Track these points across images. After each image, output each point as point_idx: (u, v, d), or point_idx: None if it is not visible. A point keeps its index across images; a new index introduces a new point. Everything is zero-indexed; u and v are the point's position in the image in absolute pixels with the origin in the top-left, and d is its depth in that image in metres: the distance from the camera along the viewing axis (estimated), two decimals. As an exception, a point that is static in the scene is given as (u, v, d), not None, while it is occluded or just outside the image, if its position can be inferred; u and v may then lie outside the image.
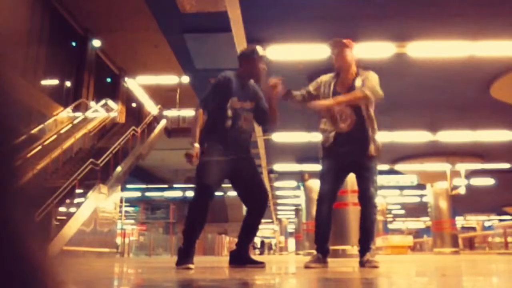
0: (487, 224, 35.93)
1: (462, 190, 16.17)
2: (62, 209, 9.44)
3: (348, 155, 3.30)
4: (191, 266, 3.07)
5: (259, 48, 3.39)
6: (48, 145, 11.20)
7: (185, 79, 14.95)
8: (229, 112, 3.23)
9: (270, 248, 41.37)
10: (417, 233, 40.60)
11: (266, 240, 42.91)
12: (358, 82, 3.34)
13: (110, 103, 15.38)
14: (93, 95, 15.23)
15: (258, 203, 3.36)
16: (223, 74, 3.33)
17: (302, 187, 17.56)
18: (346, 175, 3.49)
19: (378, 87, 3.30)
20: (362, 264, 3.18)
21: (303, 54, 7.64)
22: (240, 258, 3.34)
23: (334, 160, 3.35)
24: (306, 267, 3.09)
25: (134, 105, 19.86)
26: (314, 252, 3.35)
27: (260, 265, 3.24)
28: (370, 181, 3.29)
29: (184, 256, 3.14)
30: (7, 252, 0.42)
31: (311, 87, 3.52)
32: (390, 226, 39.47)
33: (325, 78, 3.51)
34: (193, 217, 3.17)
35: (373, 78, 3.35)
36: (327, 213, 3.30)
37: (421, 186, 18.66)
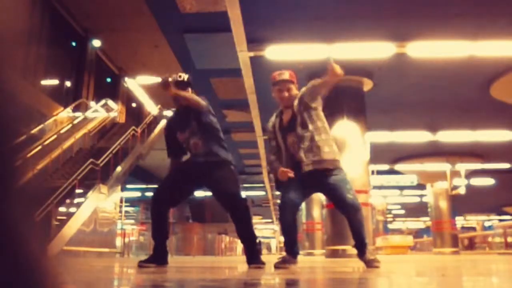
0: (487, 224, 35.94)
1: (462, 190, 16.17)
2: (62, 209, 9.44)
3: (308, 177, 3.24)
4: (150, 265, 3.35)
5: (169, 77, 3.48)
6: (48, 145, 11.20)
7: (185, 79, 14.90)
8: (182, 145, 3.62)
9: (268, 248, 41.36)
10: (417, 233, 40.62)
11: (266, 240, 42.92)
12: (296, 106, 3.29)
13: (110, 103, 15.37)
14: (93, 95, 15.22)
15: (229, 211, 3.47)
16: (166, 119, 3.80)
17: (302, 187, 17.52)
18: (307, 194, 3.47)
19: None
20: (364, 262, 3.19)
21: (303, 54, 7.64)
22: (248, 259, 3.46)
23: (295, 179, 3.27)
24: (276, 267, 3.12)
25: (134, 105, 19.86)
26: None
27: (260, 265, 3.30)
28: (343, 190, 3.19)
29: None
30: (7, 252, 0.42)
31: (272, 141, 3.50)
32: (390, 226, 39.48)
33: (272, 119, 3.51)
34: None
35: (308, 86, 3.34)
36: (291, 219, 3.30)
37: (421, 186, 18.67)
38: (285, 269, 3.00)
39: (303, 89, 3.32)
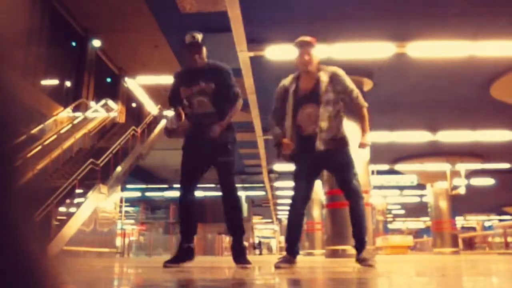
0: (487, 224, 35.94)
1: (462, 190, 16.18)
2: (62, 209, 9.44)
3: (314, 153, 3.22)
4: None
5: (187, 37, 3.41)
6: (48, 145, 11.20)
7: (185, 79, 14.91)
8: (184, 101, 3.46)
9: (269, 249, 41.33)
10: (417, 233, 40.61)
11: (266, 240, 42.90)
12: (323, 78, 3.28)
13: (110, 103, 15.37)
14: (93, 95, 15.22)
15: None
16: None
17: (302, 187, 17.53)
18: (319, 174, 3.44)
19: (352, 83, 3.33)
20: (359, 261, 3.17)
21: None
22: (234, 257, 3.39)
23: (302, 162, 3.30)
24: (276, 267, 3.08)
25: (134, 105, 19.86)
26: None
27: (245, 265, 3.23)
28: (350, 173, 3.22)
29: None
30: (7, 252, 0.43)
31: (278, 103, 3.43)
32: (390, 226, 39.49)
33: (286, 81, 3.44)
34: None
35: (347, 78, 3.33)
36: (300, 214, 3.29)
37: (421, 186, 18.66)
38: (286, 269, 2.99)
39: (346, 78, 3.30)
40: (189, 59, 3.42)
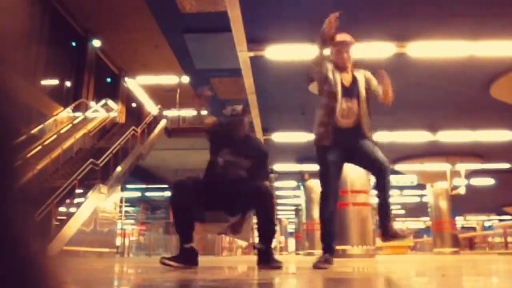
0: (487, 224, 35.94)
1: (462, 190, 16.18)
2: (62, 209, 9.44)
3: (346, 145, 3.30)
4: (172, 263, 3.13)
5: (227, 109, 3.40)
6: (48, 145, 11.20)
7: (185, 79, 14.95)
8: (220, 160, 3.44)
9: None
10: (417, 233, 40.60)
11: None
12: (359, 77, 3.40)
13: (110, 103, 15.37)
14: (93, 95, 15.22)
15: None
16: None
17: (302, 187, 17.55)
18: (344, 165, 3.47)
19: None
20: (392, 235, 3.21)
21: (303, 54, 7.63)
22: (264, 257, 3.28)
23: (333, 155, 3.32)
24: (316, 267, 3.04)
25: (134, 105, 19.86)
26: (321, 252, 3.32)
27: (277, 265, 3.16)
28: (379, 152, 3.29)
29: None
30: (7, 252, 0.42)
31: (325, 86, 3.41)
32: (390, 226, 39.38)
33: (330, 66, 3.45)
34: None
35: (375, 79, 3.45)
36: (332, 209, 3.27)
37: (421, 186, 18.67)
38: (326, 270, 2.92)
39: (373, 79, 3.43)
40: (229, 126, 3.39)
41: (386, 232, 3.23)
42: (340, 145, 3.28)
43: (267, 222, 3.27)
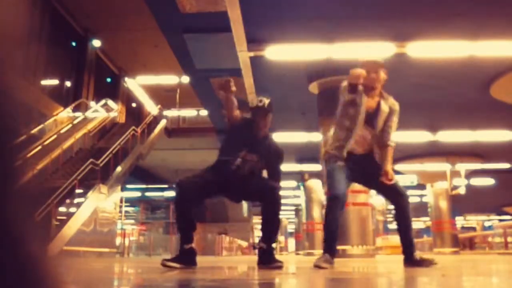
0: (487, 224, 35.93)
1: (462, 190, 16.17)
2: (62, 209, 9.44)
3: (357, 168, 3.33)
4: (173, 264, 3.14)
5: (253, 100, 3.43)
6: (48, 145, 11.20)
7: (185, 79, 14.95)
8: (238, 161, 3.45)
9: None
10: (417, 233, 40.59)
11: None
12: (384, 107, 3.36)
13: (110, 103, 15.38)
14: (93, 95, 15.23)
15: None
16: None
17: (302, 187, 17.56)
18: (352, 180, 3.48)
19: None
20: (416, 263, 3.23)
21: (303, 54, 7.63)
22: (265, 257, 3.30)
23: (345, 168, 3.33)
24: (317, 267, 3.05)
25: (134, 105, 19.86)
26: (321, 251, 3.35)
27: (278, 264, 3.18)
28: (398, 184, 3.35)
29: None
30: (7, 252, 0.42)
31: (351, 111, 3.37)
32: (390, 226, 39.44)
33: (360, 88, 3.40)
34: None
35: (398, 116, 3.45)
36: (339, 215, 3.29)
37: (421, 186, 18.66)
38: (326, 269, 2.95)
39: (397, 115, 3.47)
40: (252, 122, 3.38)
41: (411, 260, 3.27)
42: (351, 167, 3.32)
43: (272, 221, 3.32)
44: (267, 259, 3.25)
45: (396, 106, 3.44)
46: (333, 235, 3.27)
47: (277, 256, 3.48)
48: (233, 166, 3.26)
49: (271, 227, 3.34)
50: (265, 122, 3.37)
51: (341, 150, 3.32)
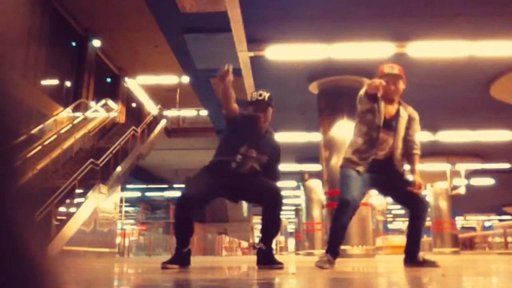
0: (487, 224, 35.93)
1: (462, 190, 16.18)
2: (62, 209, 9.44)
3: (377, 173, 3.32)
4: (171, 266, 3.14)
5: (254, 93, 3.40)
6: (48, 145, 11.20)
7: (185, 79, 14.95)
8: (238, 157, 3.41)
9: None
10: (417, 233, 40.51)
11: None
12: (403, 113, 3.38)
13: (110, 103, 15.37)
14: (93, 95, 15.22)
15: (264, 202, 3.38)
16: None
17: (302, 187, 17.56)
18: (369, 188, 3.50)
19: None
20: (419, 263, 3.30)
21: (303, 54, 7.63)
22: (264, 257, 3.29)
23: (362, 175, 3.31)
24: (319, 266, 3.06)
25: (134, 105, 19.86)
26: (321, 251, 3.38)
27: (279, 265, 3.17)
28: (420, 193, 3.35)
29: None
30: (7, 252, 0.42)
31: (369, 116, 3.36)
32: (390, 226, 39.47)
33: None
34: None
35: (419, 125, 3.51)
36: (348, 221, 3.26)
37: (421, 186, 18.64)
38: (326, 270, 2.95)
39: (418, 122, 3.55)
40: (252, 116, 3.29)
41: (414, 260, 3.32)
42: (371, 172, 3.31)
43: (273, 222, 3.34)
44: (266, 259, 3.25)
45: (416, 114, 3.49)
46: (338, 239, 3.27)
47: (277, 256, 3.48)
48: (233, 164, 3.23)
49: (272, 228, 3.35)
50: (265, 117, 3.28)
51: (363, 156, 3.30)
